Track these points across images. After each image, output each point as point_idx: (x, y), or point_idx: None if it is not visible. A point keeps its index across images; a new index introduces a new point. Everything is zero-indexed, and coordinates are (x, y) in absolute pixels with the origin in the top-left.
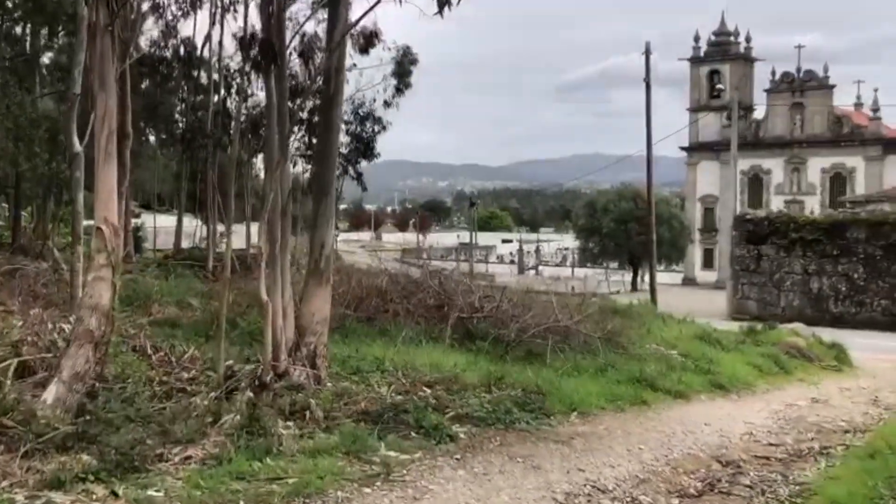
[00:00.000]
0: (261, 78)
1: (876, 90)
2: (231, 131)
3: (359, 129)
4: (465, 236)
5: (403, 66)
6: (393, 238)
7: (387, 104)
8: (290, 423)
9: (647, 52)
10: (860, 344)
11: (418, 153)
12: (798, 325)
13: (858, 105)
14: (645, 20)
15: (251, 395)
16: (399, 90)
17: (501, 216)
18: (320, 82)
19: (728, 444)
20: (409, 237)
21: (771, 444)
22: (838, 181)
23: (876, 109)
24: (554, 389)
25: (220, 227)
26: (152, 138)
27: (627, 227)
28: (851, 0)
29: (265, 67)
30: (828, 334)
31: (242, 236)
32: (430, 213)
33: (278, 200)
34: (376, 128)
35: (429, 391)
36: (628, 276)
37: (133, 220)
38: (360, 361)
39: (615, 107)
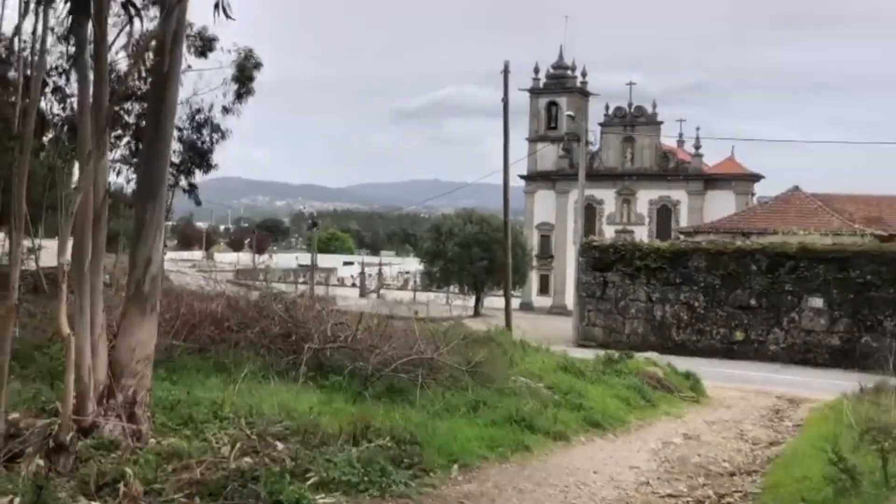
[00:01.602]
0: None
1: (698, 129)
2: (45, 133)
3: (194, 136)
4: (304, 258)
5: (246, 70)
6: (227, 258)
7: (226, 110)
8: (96, 503)
9: (506, 72)
10: (705, 372)
11: (254, 171)
12: (652, 354)
13: (681, 142)
14: (476, 53)
15: (41, 462)
16: (240, 95)
17: (342, 238)
18: (149, 59)
19: (626, 497)
20: (245, 257)
21: (670, 496)
22: (665, 212)
23: (698, 147)
24: (428, 437)
25: (29, 243)
26: None
27: (471, 252)
28: (662, 47)
29: (76, 22)
30: (674, 362)
31: (54, 252)
32: (267, 233)
33: (89, 203)
34: (215, 136)
35: (281, 446)
36: (470, 301)
37: None
38: (193, 407)
39: (449, 134)
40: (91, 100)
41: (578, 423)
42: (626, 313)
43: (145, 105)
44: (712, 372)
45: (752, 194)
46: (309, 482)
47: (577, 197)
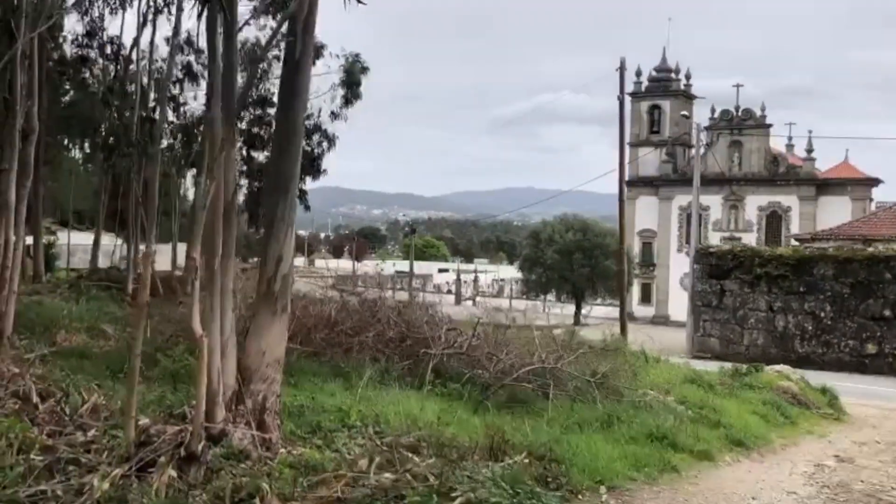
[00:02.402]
0: (193, 84)
1: (810, 131)
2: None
3: (305, 141)
4: (400, 265)
5: (353, 75)
6: (330, 264)
7: (334, 115)
8: None
9: (622, 69)
10: (836, 387)
11: (352, 180)
12: (784, 368)
13: (790, 146)
14: (572, 61)
15: (174, 472)
16: (348, 101)
17: (437, 245)
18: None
19: None
20: (344, 264)
21: None
22: (774, 219)
23: (810, 150)
24: (570, 454)
25: (144, 247)
26: (77, 153)
27: (572, 259)
28: (765, 49)
29: (207, 8)
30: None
31: (168, 257)
32: (365, 240)
33: (220, 196)
34: (325, 143)
35: (417, 459)
36: (568, 309)
37: (46, 237)
38: (320, 415)
39: (545, 142)
40: (221, 88)
41: (720, 441)
42: (745, 323)
43: (257, 112)
44: (843, 387)
45: (871, 199)
46: (455, 502)
47: (692, 203)
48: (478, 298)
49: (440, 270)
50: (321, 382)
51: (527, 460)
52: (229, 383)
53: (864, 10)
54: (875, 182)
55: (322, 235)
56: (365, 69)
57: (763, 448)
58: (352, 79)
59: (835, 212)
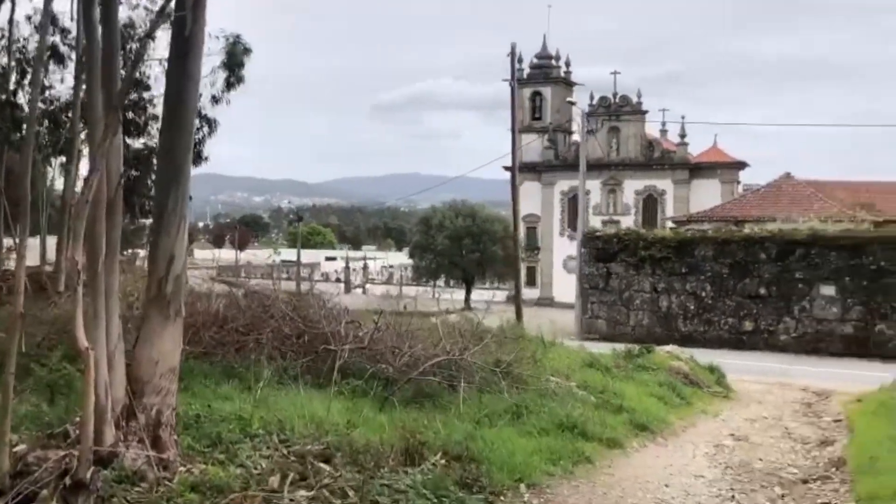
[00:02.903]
0: (60, 66)
1: (683, 117)
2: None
3: None
4: (285, 253)
5: (235, 57)
6: (207, 255)
7: (215, 100)
8: None
9: (513, 54)
10: (720, 364)
11: (232, 167)
12: (674, 348)
13: (664, 132)
14: (451, 47)
15: None
16: (230, 84)
17: (323, 233)
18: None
19: None
20: (226, 254)
21: None
22: (650, 202)
23: (683, 136)
24: (487, 452)
25: (8, 241)
26: None
27: (461, 244)
28: (638, 38)
29: None
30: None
31: (37, 252)
32: (247, 229)
33: (104, 188)
34: (205, 128)
35: (328, 469)
36: (458, 294)
37: None
38: (219, 425)
39: (427, 128)
40: (101, 69)
41: (626, 427)
42: (631, 305)
43: (131, 96)
44: (725, 364)
45: (738, 182)
46: None
47: (579, 188)
48: (368, 286)
49: (328, 258)
50: (214, 386)
51: (444, 462)
52: (118, 397)
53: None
54: (742, 165)
55: (201, 224)
56: (247, 50)
57: (665, 431)
58: (234, 61)
59: (706, 194)
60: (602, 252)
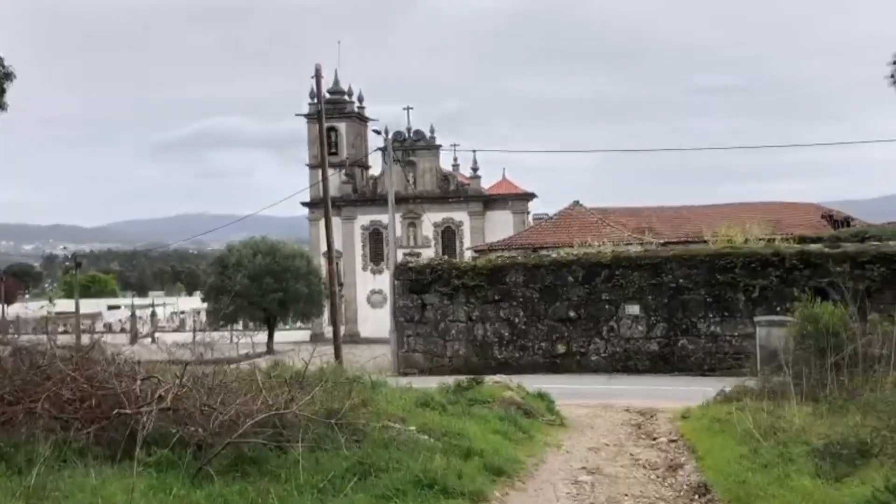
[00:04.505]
0: None
1: (474, 151)
2: None
3: None
4: (62, 304)
5: None
6: None
7: None
8: None
9: (318, 76)
10: (538, 389)
11: None
12: (502, 378)
13: (456, 166)
14: (235, 84)
15: None
16: None
17: (104, 280)
18: None
19: None
20: None
21: None
22: (449, 233)
23: (476, 169)
24: None
25: None
26: None
27: (262, 284)
28: (424, 78)
29: None
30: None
31: None
32: (14, 280)
33: None
34: None
35: None
36: (260, 337)
37: None
38: None
39: (215, 167)
40: None
41: (482, 473)
42: (447, 335)
43: None
44: (544, 389)
45: (528, 212)
46: None
47: (389, 222)
48: (157, 335)
49: (110, 307)
50: None
51: None
52: None
53: (507, 45)
54: (531, 196)
55: None
56: (9, 75)
57: (520, 473)
58: None
59: (499, 224)
60: (415, 283)
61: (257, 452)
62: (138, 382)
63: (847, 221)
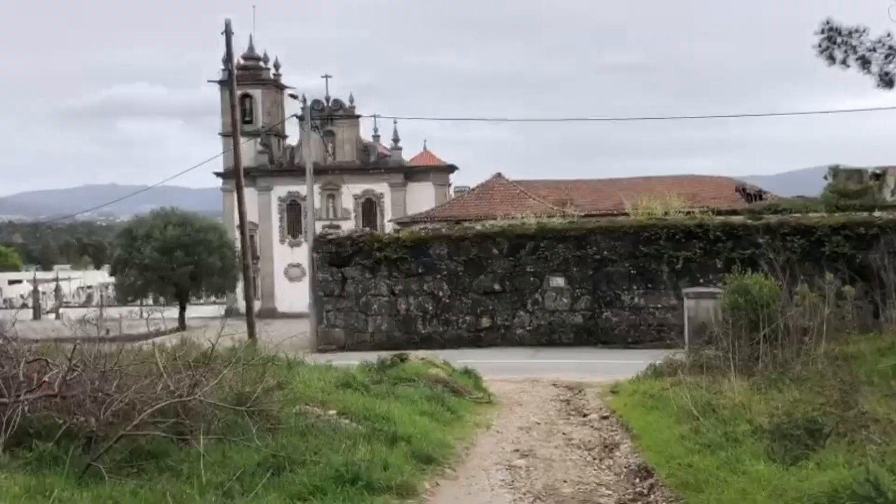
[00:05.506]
0: None
1: (395, 121)
2: None
3: None
4: None
5: None
6: None
7: None
8: None
9: (228, 33)
10: (464, 364)
11: None
12: (428, 354)
13: (376, 137)
14: (143, 51)
15: None
16: None
17: (5, 253)
18: None
19: None
20: None
21: None
22: (369, 206)
23: (396, 140)
24: None
25: None
26: None
27: (173, 257)
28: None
29: None
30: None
31: None
32: None
33: None
34: None
35: None
36: (171, 312)
37: None
38: None
39: (125, 136)
40: None
41: (409, 462)
42: (369, 310)
43: None
44: (470, 364)
45: (449, 185)
46: None
47: (307, 193)
48: (62, 310)
49: (12, 282)
50: None
51: None
52: None
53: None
54: (452, 168)
55: None
56: None
57: (450, 459)
58: None
59: (421, 197)
60: (336, 256)
61: (156, 445)
62: (22, 365)
63: (760, 195)
